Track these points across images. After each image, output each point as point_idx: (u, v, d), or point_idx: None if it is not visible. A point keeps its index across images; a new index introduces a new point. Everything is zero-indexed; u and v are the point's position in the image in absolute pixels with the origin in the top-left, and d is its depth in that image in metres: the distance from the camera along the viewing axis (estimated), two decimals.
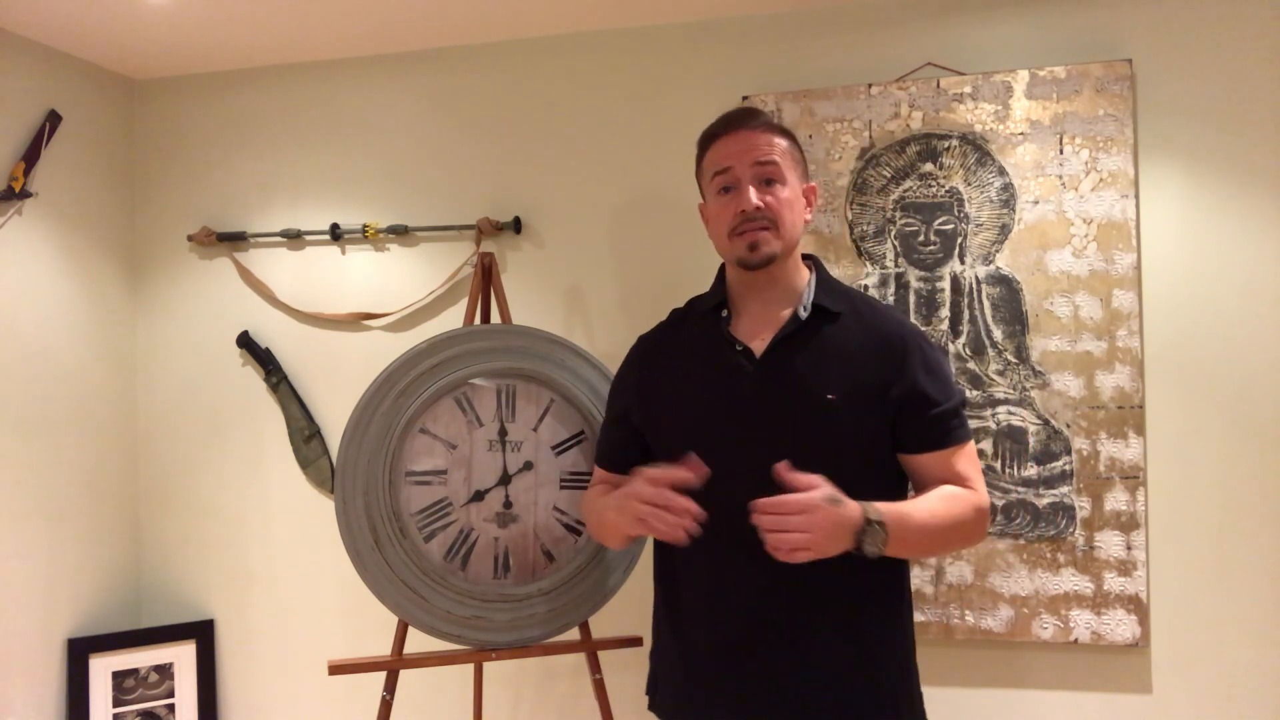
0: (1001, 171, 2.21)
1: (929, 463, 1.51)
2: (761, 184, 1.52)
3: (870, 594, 1.51)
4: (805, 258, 1.62)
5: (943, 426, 1.50)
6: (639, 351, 1.73)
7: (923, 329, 1.66)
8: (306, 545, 2.64)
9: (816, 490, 1.36)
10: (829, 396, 1.47)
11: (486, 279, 2.25)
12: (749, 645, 1.49)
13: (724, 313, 1.60)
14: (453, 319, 2.55)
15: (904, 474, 1.55)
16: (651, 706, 1.67)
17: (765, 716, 1.48)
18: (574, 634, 2.13)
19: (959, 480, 1.51)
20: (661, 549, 1.64)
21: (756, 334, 1.55)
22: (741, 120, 1.57)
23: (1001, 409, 2.19)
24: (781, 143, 1.56)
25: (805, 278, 1.59)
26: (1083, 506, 2.16)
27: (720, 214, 1.55)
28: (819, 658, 1.47)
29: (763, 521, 1.36)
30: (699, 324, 1.63)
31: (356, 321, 2.62)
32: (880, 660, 1.51)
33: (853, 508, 1.38)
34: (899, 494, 1.54)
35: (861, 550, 1.38)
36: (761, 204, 1.51)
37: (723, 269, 1.66)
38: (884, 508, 1.41)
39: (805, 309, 1.53)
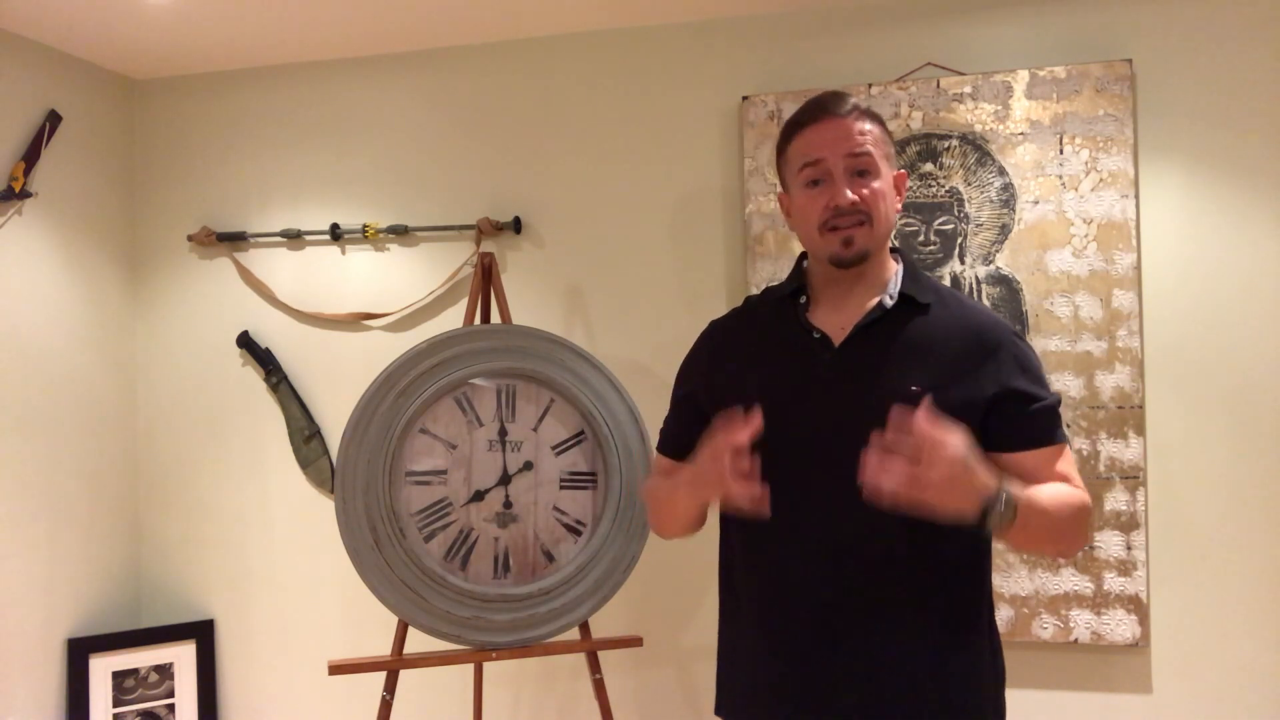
0: (1001, 171, 2.21)
1: (1030, 461, 1.42)
2: (854, 176, 1.44)
3: (945, 591, 1.43)
4: (892, 250, 1.56)
5: (1041, 424, 1.43)
6: (709, 335, 1.65)
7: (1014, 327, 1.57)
8: (306, 545, 2.64)
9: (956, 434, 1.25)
10: (913, 388, 1.39)
11: (486, 279, 2.25)
12: (814, 641, 1.43)
13: (802, 299, 1.54)
14: (453, 319, 2.55)
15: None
16: (718, 710, 1.61)
17: (828, 717, 1.43)
18: (574, 634, 2.13)
19: (1059, 479, 1.43)
20: (727, 548, 1.59)
21: (836, 322, 1.48)
22: (832, 106, 1.47)
23: None
24: (874, 130, 1.47)
25: (892, 269, 1.51)
26: None
27: (808, 207, 1.47)
28: (887, 656, 1.41)
29: (880, 441, 1.25)
30: (774, 309, 1.56)
31: (356, 321, 2.62)
32: (953, 665, 1.43)
33: (988, 472, 1.28)
34: None
35: (982, 524, 1.27)
36: (857, 198, 1.43)
37: (802, 256, 1.59)
38: (1019, 487, 1.31)
39: (892, 298, 1.46)
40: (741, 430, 1.32)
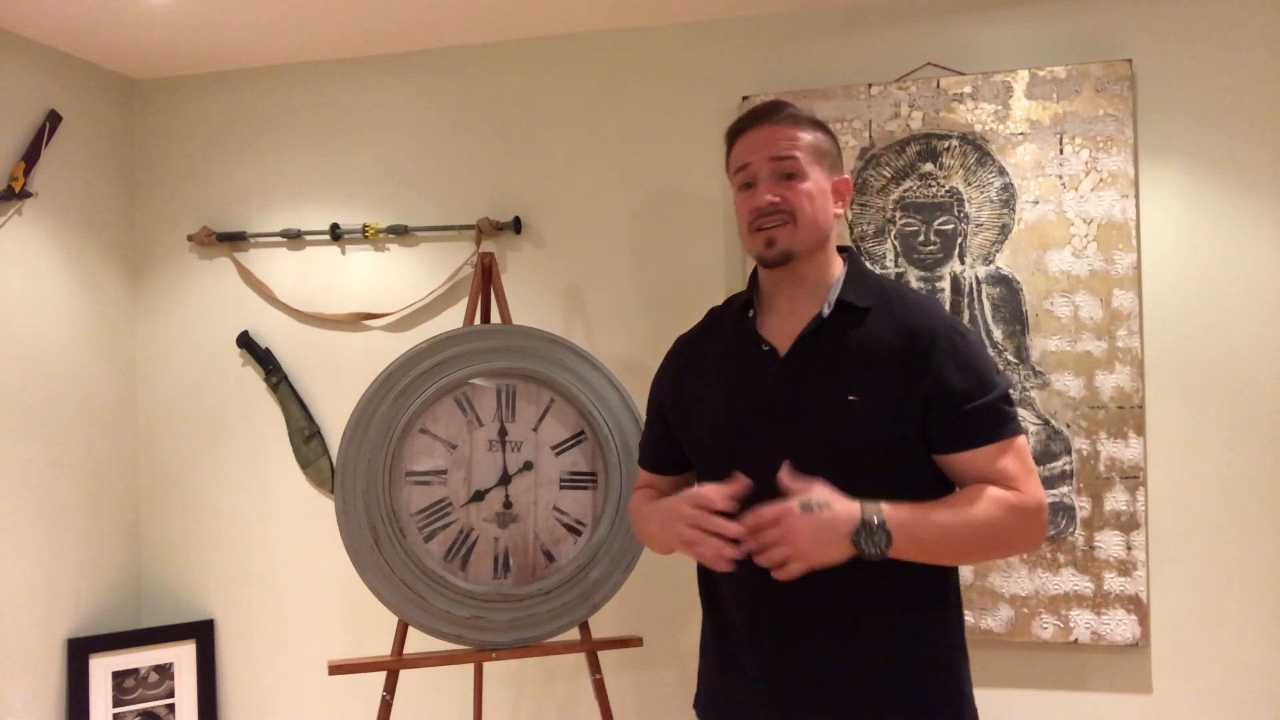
0: (1001, 171, 2.21)
1: (965, 462, 1.43)
2: (780, 179, 1.48)
3: (907, 591, 1.45)
4: (841, 250, 1.57)
5: (977, 423, 1.42)
6: (675, 351, 1.70)
7: (956, 319, 1.57)
8: (306, 545, 2.64)
9: (793, 498, 1.34)
10: (850, 398, 1.42)
11: (486, 279, 2.25)
12: (781, 641, 1.46)
13: (750, 312, 1.57)
14: (453, 319, 2.55)
15: (943, 476, 1.48)
16: (696, 704, 1.64)
17: (799, 712, 1.45)
18: (574, 634, 2.13)
19: (1000, 478, 1.41)
20: None
21: (784, 333, 1.51)
22: (764, 115, 1.52)
23: None
24: (805, 136, 1.50)
25: (836, 273, 1.53)
26: (1083, 506, 2.16)
27: (740, 210, 1.53)
28: (854, 652, 1.44)
29: (747, 542, 1.35)
30: (730, 323, 1.60)
31: (356, 321, 2.62)
32: (919, 659, 1.45)
33: (845, 508, 1.34)
34: (937, 497, 1.44)
35: (861, 554, 1.33)
36: (777, 198, 1.46)
37: (756, 267, 1.62)
38: (890, 507, 1.35)
39: (829, 305, 1.48)
40: (718, 497, 1.39)
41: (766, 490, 1.40)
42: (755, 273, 1.61)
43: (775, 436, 1.46)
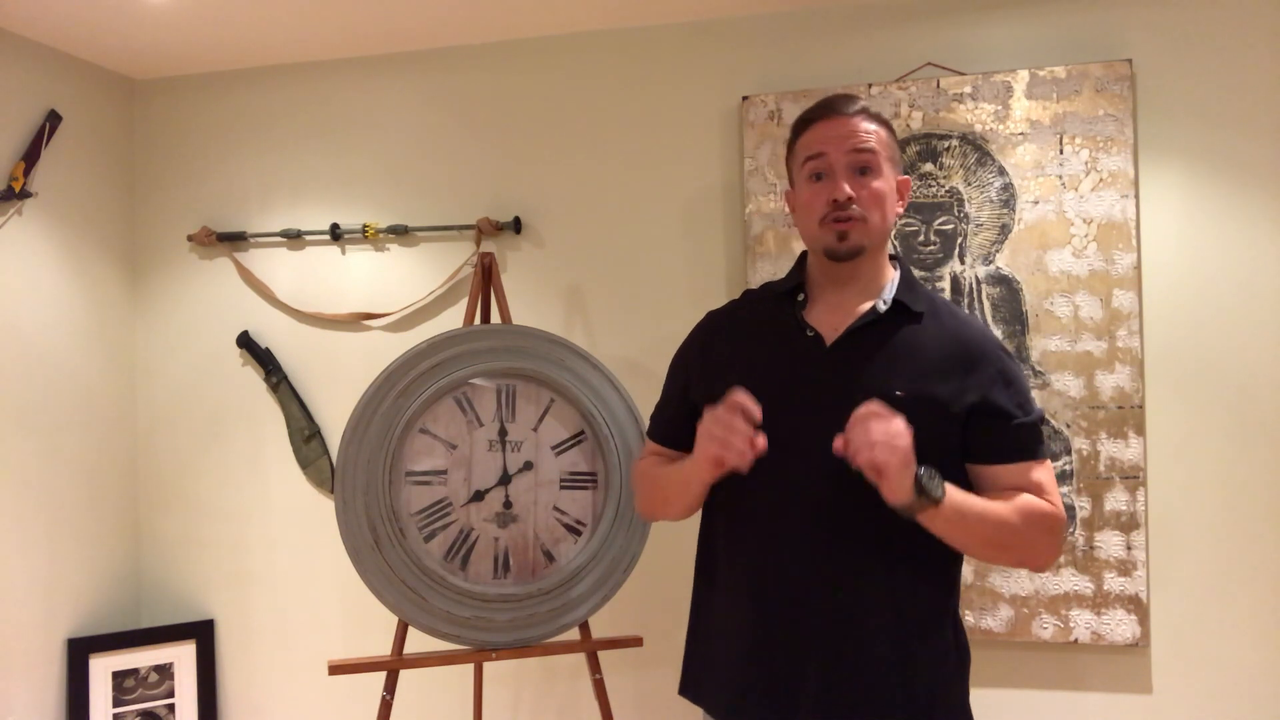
0: (1001, 171, 2.21)
1: (1001, 475, 1.47)
2: (855, 173, 1.48)
3: (915, 584, 1.46)
4: (890, 258, 1.58)
5: (1020, 439, 1.47)
6: (704, 326, 1.68)
7: (1001, 340, 1.61)
8: (306, 545, 2.64)
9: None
10: (897, 393, 1.43)
11: (486, 279, 2.25)
12: (786, 629, 1.46)
13: (800, 297, 1.56)
14: (453, 319, 2.55)
15: (971, 486, 1.48)
16: (683, 690, 1.63)
17: (800, 703, 1.45)
18: (574, 634, 2.13)
19: (1034, 491, 1.46)
20: (708, 529, 1.61)
21: (830, 322, 1.51)
22: (840, 105, 1.51)
23: None
24: (880, 132, 1.51)
25: (889, 274, 1.55)
26: (1083, 506, 2.16)
27: (811, 201, 1.51)
28: (855, 646, 1.44)
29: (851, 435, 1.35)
30: (772, 305, 1.59)
31: (356, 321, 2.62)
32: (918, 656, 1.46)
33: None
34: None
35: (922, 493, 1.33)
36: (854, 194, 1.46)
37: (803, 255, 1.62)
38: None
39: (885, 302, 1.49)
40: (745, 399, 1.38)
41: (798, 470, 1.42)
42: (802, 260, 1.61)
43: (813, 420, 1.45)
